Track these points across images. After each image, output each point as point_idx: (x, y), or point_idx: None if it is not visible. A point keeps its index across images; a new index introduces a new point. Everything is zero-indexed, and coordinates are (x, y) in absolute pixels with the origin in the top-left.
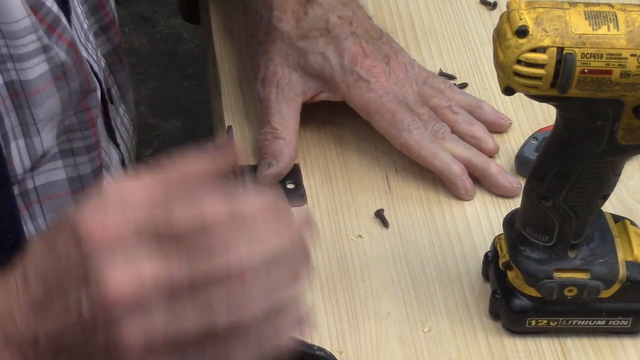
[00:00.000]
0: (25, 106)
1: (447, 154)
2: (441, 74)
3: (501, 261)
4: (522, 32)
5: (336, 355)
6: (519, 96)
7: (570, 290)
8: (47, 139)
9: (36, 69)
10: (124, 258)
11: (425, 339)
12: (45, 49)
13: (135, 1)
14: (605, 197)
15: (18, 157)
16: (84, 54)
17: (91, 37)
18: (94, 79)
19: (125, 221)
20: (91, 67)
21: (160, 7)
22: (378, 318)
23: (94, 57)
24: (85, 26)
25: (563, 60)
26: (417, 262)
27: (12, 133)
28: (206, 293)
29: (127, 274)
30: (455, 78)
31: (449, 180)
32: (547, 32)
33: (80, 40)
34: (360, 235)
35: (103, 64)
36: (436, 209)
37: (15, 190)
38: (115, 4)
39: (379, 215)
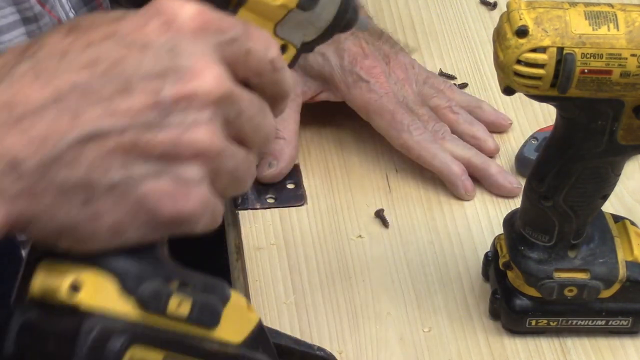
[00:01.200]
0: None
1: (447, 155)
2: (441, 74)
3: (501, 261)
4: (522, 32)
5: (336, 355)
6: (519, 96)
7: (570, 290)
8: None
9: (14, 42)
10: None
11: (425, 339)
12: (25, 21)
13: (135, 1)
14: (605, 197)
15: None
16: None
17: None
18: None
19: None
20: None
21: None
22: (378, 318)
23: None
24: (72, 16)
25: (563, 60)
26: (417, 262)
27: None
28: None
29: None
30: (455, 78)
31: (449, 181)
32: (547, 32)
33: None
34: (360, 235)
35: None
36: (436, 209)
37: None
38: (115, 4)
39: (379, 215)
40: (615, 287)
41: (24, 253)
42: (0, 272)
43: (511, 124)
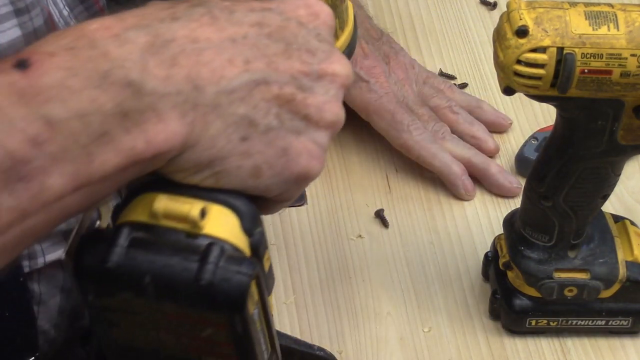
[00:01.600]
0: None
1: (447, 154)
2: (441, 74)
3: (501, 261)
4: (522, 32)
5: (336, 355)
6: (519, 96)
7: (570, 290)
8: None
9: (7, 34)
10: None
11: (425, 339)
12: (17, 12)
13: (135, 1)
14: (605, 197)
15: None
16: None
17: (72, 24)
18: None
19: None
20: None
21: None
22: (378, 318)
23: None
24: (65, 13)
25: (563, 60)
26: (417, 262)
27: None
28: None
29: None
30: (455, 78)
31: (449, 181)
32: (547, 32)
33: (57, 28)
34: (360, 235)
35: None
36: (436, 209)
37: None
38: (116, 4)
39: (379, 215)
40: (615, 287)
41: (32, 286)
42: (5, 298)
43: (511, 124)
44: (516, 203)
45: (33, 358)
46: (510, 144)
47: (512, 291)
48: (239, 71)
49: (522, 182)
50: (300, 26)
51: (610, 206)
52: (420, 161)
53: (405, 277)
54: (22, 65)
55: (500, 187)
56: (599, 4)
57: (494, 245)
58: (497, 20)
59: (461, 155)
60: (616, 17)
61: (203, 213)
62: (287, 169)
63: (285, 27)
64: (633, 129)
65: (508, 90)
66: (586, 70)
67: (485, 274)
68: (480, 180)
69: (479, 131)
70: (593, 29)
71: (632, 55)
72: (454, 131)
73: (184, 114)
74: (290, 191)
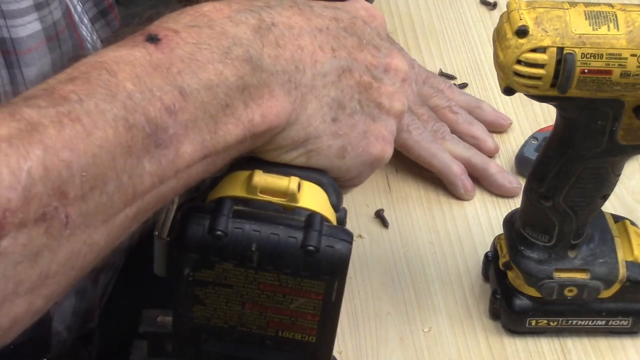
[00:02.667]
0: (15, 65)
1: (447, 154)
2: (441, 74)
3: (501, 261)
4: (522, 32)
5: (336, 355)
6: (519, 96)
7: (570, 290)
8: None
9: (28, 27)
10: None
11: (425, 339)
12: (37, 7)
13: (136, 1)
14: (605, 197)
15: None
16: (83, 34)
17: (86, 20)
18: (89, 48)
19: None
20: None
21: (161, 7)
22: (378, 318)
23: (90, 39)
24: (79, 9)
25: (563, 60)
26: (417, 262)
27: (3, 90)
28: None
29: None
30: (455, 78)
31: (448, 180)
32: (547, 32)
33: (76, 21)
34: (360, 235)
35: (99, 47)
36: (436, 209)
37: None
38: (116, 4)
39: (379, 215)
40: (615, 287)
41: None
42: None
43: (511, 124)
44: (516, 203)
45: (45, 359)
46: (510, 144)
47: (512, 291)
48: (329, 57)
49: (522, 182)
50: (365, 24)
51: (610, 206)
52: (420, 161)
53: (405, 277)
54: (153, 39)
55: (500, 187)
56: (599, 4)
57: (494, 245)
58: (497, 20)
59: (461, 155)
60: (616, 17)
61: (299, 187)
62: (367, 151)
63: (354, 24)
64: (633, 129)
65: (508, 90)
66: (586, 70)
67: (485, 274)
68: (479, 180)
69: (479, 131)
70: (593, 29)
71: (632, 55)
72: (453, 131)
73: (289, 92)
74: (362, 175)
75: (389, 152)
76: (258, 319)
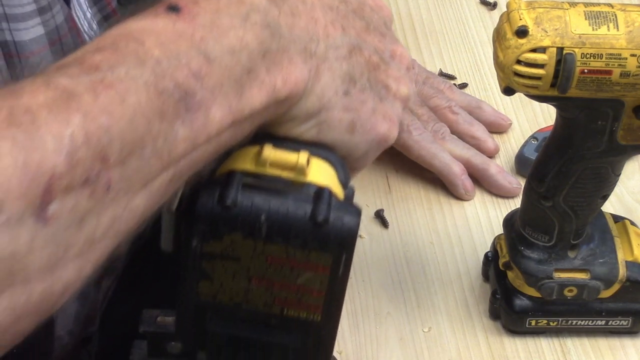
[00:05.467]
0: (18, 68)
1: (447, 154)
2: (441, 74)
3: (501, 261)
4: (522, 32)
5: (336, 355)
6: (519, 96)
7: (570, 290)
8: None
9: (31, 31)
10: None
11: (425, 339)
12: (40, 11)
13: (135, 1)
14: (605, 197)
15: None
16: (88, 40)
17: (95, 27)
18: None
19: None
20: None
21: None
22: (378, 318)
23: None
24: (89, 15)
25: (563, 60)
26: (417, 262)
27: None
28: None
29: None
30: (455, 78)
31: (448, 181)
32: (547, 32)
33: (84, 29)
34: (360, 235)
35: None
36: (436, 209)
37: None
38: (116, 4)
39: (379, 215)
40: (615, 287)
41: None
42: None
43: (511, 124)
44: (516, 203)
45: None
46: (510, 144)
47: (512, 291)
48: (340, 33)
49: (522, 182)
50: (372, 11)
51: (610, 206)
52: (420, 161)
53: (405, 277)
54: (174, 9)
55: (500, 187)
56: (599, 4)
57: (494, 245)
58: (497, 20)
59: (461, 156)
60: (616, 17)
61: (308, 162)
62: (374, 128)
63: (362, 9)
64: (633, 129)
65: (508, 90)
66: (586, 70)
67: (485, 274)
68: (479, 180)
69: (479, 131)
70: (593, 29)
71: (632, 55)
72: (453, 131)
73: (305, 61)
74: (369, 154)
75: (394, 133)
76: (264, 296)
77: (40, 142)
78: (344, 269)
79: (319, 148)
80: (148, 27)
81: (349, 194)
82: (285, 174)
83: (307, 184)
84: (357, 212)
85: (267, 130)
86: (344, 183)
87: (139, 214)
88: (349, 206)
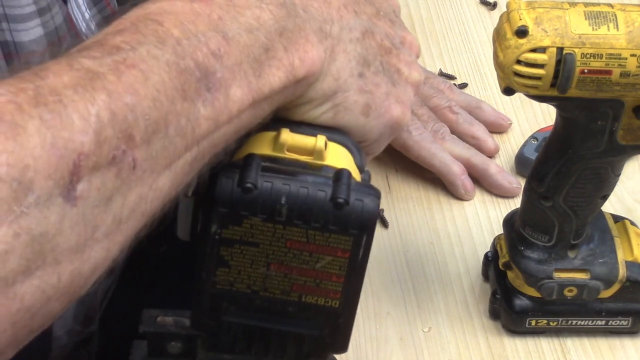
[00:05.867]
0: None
1: (447, 154)
2: (441, 74)
3: (501, 261)
4: (522, 32)
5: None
6: (519, 96)
7: (570, 290)
8: None
9: (31, 32)
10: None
11: (425, 339)
12: (40, 12)
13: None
14: (605, 197)
15: None
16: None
17: (94, 28)
18: None
19: None
20: None
21: None
22: (378, 318)
23: None
24: (87, 16)
25: (563, 60)
26: (417, 262)
27: None
28: None
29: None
30: (455, 78)
31: (448, 181)
32: (547, 32)
33: (83, 30)
34: None
35: None
36: (436, 209)
37: None
38: (116, 4)
39: (379, 215)
40: (615, 287)
41: None
42: None
43: (511, 124)
44: (516, 203)
45: None
46: (510, 144)
47: (512, 291)
48: (353, 16)
49: (522, 182)
50: (382, 0)
51: (610, 206)
52: (420, 161)
53: (405, 277)
54: None
55: (500, 187)
56: (598, 4)
57: (494, 245)
58: (497, 20)
59: (460, 155)
60: (616, 17)
61: (325, 145)
62: (388, 111)
63: None
64: (633, 129)
65: (508, 90)
66: (586, 71)
67: (485, 274)
68: (479, 180)
69: (479, 131)
70: (593, 29)
71: (632, 55)
72: (453, 131)
73: (321, 40)
74: (382, 138)
75: (408, 116)
76: (282, 282)
77: (68, 121)
78: (364, 253)
79: (335, 132)
80: (166, 8)
81: (366, 178)
82: (303, 158)
83: (326, 167)
84: (377, 194)
85: (284, 115)
86: (361, 167)
87: (163, 194)
88: (369, 188)
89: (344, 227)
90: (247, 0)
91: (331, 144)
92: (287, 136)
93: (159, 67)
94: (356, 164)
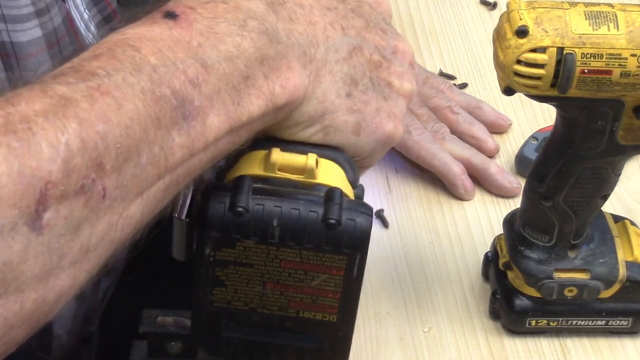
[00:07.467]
0: (15, 68)
1: (447, 154)
2: (441, 74)
3: (501, 261)
4: (522, 32)
5: None
6: (519, 96)
7: (570, 291)
8: None
9: (28, 33)
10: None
11: (425, 339)
12: (38, 13)
13: (135, 1)
14: (605, 197)
15: None
16: (86, 42)
17: (92, 28)
18: None
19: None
20: None
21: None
22: (378, 318)
23: None
24: (86, 16)
25: (563, 60)
26: (417, 262)
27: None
28: None
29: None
30: (455, 78)
31: (448, 181)
32: (547, 32)
33: (82, 30)
34: None
35: None
36: (436, 209)
37: None
38: (116, 4)
39: (379, 215)
40: (615, 287)
41: None
42: None
43: (511, 124)
44: (516, 203)
45: None
46: (510, 144)
47: (512, 291)
48: (340, 34)
49: (522, 182)
50: (371, 9)
51: (610, 206)
52: (420, 161)
53: (405, 277)
54: (171, 16)
55: (500, 187)
56: (599, 4)
57: (494, 245)
58: (497, 20)
59: (461, 156)
60: (616, 17)
61: (317, 163)
62: (380, 128)
63: (361, 7)
64: (633, 129)
65: (508, 91)
66: (586, 71)
67: (485, 274)
68: (479, 180)
69: (479, 131)
70: (593, 29)
71: (632, 55)
72: (453, 131)
73: (304, 66)
74: (375, 154)
75: (400, 130)
76: (279, 300)
77: (36, 149)
78: (358, 270)
79: (327, 149)
80: (145, 34)
81: (359, 193)
82: (294, 177)
83: (317, 185)
84: (369, 212)
85: (274, 135)
86: (353, 182)
87: (134, 222)
88: (361, 206)
89: (337, 247)
90: (228, 28)
91: (323, 161)
92: (278, 156)
93: (133, 94)
94: (349, 179)
